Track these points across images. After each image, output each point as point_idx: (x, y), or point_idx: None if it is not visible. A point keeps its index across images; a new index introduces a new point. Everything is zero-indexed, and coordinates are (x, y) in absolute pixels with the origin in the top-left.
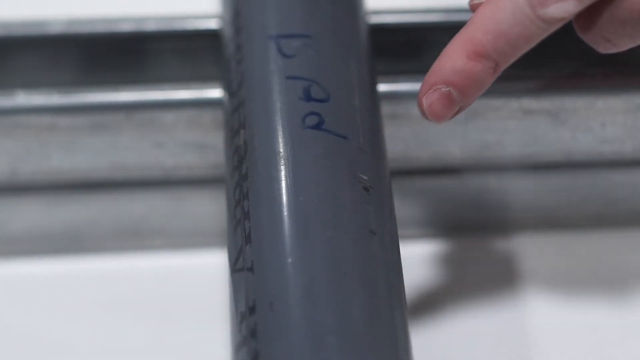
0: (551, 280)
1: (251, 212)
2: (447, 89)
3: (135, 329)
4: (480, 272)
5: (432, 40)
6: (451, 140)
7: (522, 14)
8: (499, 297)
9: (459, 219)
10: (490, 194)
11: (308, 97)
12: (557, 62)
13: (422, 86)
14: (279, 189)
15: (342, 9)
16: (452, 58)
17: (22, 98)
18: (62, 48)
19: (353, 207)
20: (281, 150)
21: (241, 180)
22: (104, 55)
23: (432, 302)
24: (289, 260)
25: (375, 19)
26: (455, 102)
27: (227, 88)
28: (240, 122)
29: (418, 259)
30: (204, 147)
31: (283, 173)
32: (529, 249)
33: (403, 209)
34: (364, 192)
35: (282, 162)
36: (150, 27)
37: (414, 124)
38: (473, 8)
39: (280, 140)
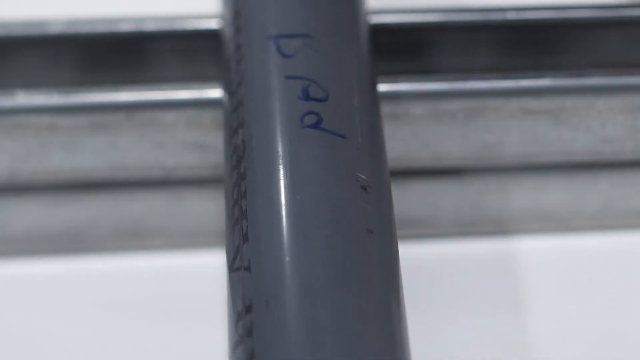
0: (551, 281)
1: (249, 211)
2: None
3: (135, 329)
4: (479, 273)
5: (432, 40)
6: (451, 140)
7: None
8: (499, 298)
9: (459, 219)
10: (490, 194)
11: (307, 96)
12: (557, 62)
13: None
14: (277, 187)
15: (343, 9)
16: None
17: (22, 98)
18: (62, 48)
19: (351, 206)
20: (279, 149)
21: (239, 179)
22: (104, 55)
23: (431, 303)
24: (286, 259)
25: (375, 19)
26: None
27: (227, 88)
28: (239, 122)
29: (417, 259)
30: (204, 147)
31: (281, 172)
32: (529, 249)
33: (403, 209)
34: (362, 191)
35: (280, 161)
36: (150, 27)
37: (414, 124)
38: None
39: (279, 139)
